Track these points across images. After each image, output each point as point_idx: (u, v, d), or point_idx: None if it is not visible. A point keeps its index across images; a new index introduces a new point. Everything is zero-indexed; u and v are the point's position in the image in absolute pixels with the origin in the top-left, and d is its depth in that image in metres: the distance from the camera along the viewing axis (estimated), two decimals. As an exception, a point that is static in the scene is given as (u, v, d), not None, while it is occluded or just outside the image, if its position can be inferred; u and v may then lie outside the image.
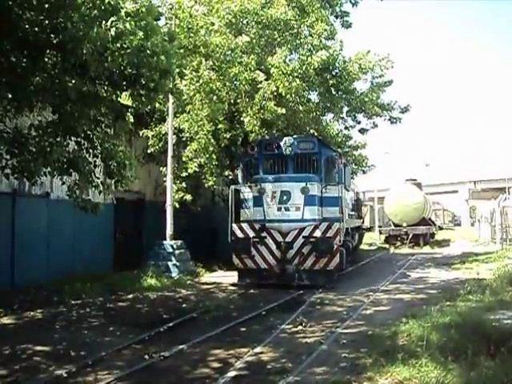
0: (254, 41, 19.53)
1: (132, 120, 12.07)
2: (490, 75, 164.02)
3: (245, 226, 15.93)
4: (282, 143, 16.63)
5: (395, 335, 8.76)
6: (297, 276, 15.24)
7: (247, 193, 16.68)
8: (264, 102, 18.50)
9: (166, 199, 18.26)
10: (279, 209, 15.63)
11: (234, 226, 16.08)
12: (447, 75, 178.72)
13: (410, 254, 28.12)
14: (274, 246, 15.45)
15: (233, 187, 16.73)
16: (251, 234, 15.67)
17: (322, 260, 15.15)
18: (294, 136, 17.61)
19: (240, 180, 17.48)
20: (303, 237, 15.25)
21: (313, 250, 15.15)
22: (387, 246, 35.19)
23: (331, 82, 20.85)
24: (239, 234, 15.88)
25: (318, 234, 15.18)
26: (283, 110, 18.77)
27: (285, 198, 15.53)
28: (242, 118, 19.28)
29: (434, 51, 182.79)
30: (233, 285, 16.06)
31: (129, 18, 8.88)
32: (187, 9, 17.89)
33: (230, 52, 18.15)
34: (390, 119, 23.49)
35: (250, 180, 16.73)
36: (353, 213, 22.43)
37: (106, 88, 10.16)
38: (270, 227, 15.53)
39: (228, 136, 19.53)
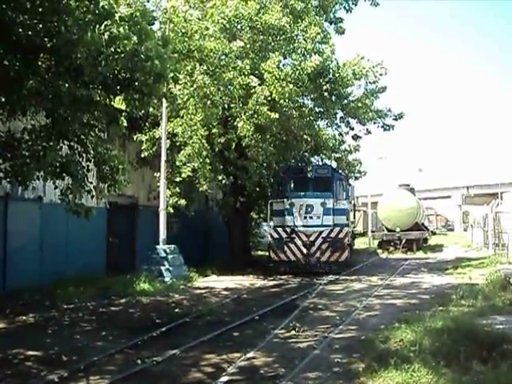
0: (248, 46, 19.56)
1: (125, 124, 12.02)
2: (485, 81, 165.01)
3: (279, 229, 21.19)
4: (304, 169, 22.43)
5: (388, 340, 8.78)
6: (318, 265, 20.53)
7: (280, 205, 21.65)
8: (257, 107, 18.52)
9: (160, 204, 18.24)
10: (305, 217, 21.09)
11: (272, 229, 21.62)
12: (441, 80, 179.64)
13: (403, 259, 28.17)
14: (301, 244, 20.70)
15: (270, 201, 21.99)
16: (284, 235, 20.94)
17: (335, 254, 20.64)
18: (313, 164, 23.48)
19: (273, 195, 22.41)
20: (322, 237, 20.70)
21: (329, 247, 20.60)
22: (380, 251, 35.20)
23: (325, 87, 20.90)
24: (275, 236, 21.24)
25: (333, 235, 20.72)
26: (276, 115, 18.81)
27: (309, 209, 21.06)
28: (235, 123, 19.29)
29: (429, 57, 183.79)
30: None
31: (123, 23, 8.86)
32: (181, 13, 17.90)
33: (224, 57, 18.17)
34: (383, 126, 23.53)
35: (280, 196, 21.90)
36: (352, 219, 27.97)
37: (99, 92, 10.13)
38: (298, 230, 20.86)
39: (222, 141, 19.55)
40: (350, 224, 22.72)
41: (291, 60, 20.28)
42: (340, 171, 24.25)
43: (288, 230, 20.94)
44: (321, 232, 20.74)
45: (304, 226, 20.91)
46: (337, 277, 19.47)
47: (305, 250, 20.61)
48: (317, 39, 19.86)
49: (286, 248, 20.74)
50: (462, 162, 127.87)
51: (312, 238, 20.69)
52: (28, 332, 10.21)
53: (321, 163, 24.47)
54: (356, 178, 26.93)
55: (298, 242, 20.74)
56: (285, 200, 21.42)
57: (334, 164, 24.74)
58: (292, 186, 22.20)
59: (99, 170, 11.49)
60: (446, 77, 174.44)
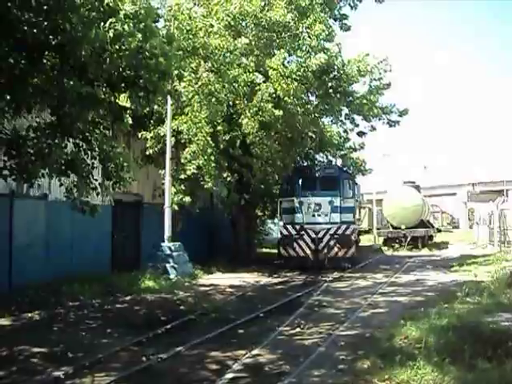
0: (253, 43, 19.55)
1: (130, 122, 12.04)
2: (491, 77, 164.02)
3: (289, 227, 22.08)
4: (313, 169, 23.71)
5: (393, 337, 8.77)
6: (326, 261, 21.20)
7: (290, 203, 22.61)
8: (262, 104, 18.52)
9: (165, 201, 18.24)
10: (313, 215, 22.09)
11: (281, 227, 22.74)
12: (448, 77, 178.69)
13: (408, 257, 28.11)
14: (309, 241, 21.54)
15: (280, 200, 23.18)
16: (294, 232, 21.76)
17: (342, 250, 21.39)
18: (321, 164, 24.52)
19: (282, 194, 23.54)
20: (330, 234, 21.46)
21: (336, 243, 21.36)
22: (385, 248, 35.15)
23: (330, 84, 20.92)
24: (285, 232, 22.12)
25: (340, 232, 21.51)
26: (281, 112, 18.80)
27: (317, 207, 22.03)
28: (240, 120, 19.29)
29: (435, 52, 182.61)
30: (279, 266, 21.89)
31: (127, 20, 8.87)
32: (186, 11, 17.90)
33: (228, 54, 18.16)
34: (388, 122, 23.55)
35: (290, 194, 22.82)
36: (358, 217, 29.22)
37: (104, 90, 10.13)
38: (307, 227, 21.69)
39: (226, 138, 19.54)
40: (356, 221, 24.01)
41: (296, 57, 20.28)
42: (346, 169, 24.71)
43: (297, 227, 21.81)
44: (328, 229, 21.54)
45: (312, 224, 21.83)
46: (341, 274, 19.47)
47: (313, 247, 21.44)
48: (322, 36, 19.84)
49: (295, 244, 21.60)
50: (468, 159, 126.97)
51: (320, 235, 21.51)
52: (33, 329, 10.24)
53: (325, 160, 24.85)
54: (363, 174, 26.96)
55: (307, 239, 21.54)
56: (294, 198, 22.38)
57: (339, 161, 24.84)
58: (301, 185, 22.97)
59: (104, 168, 11.50)
60: (452, 74, 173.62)
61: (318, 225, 21.85)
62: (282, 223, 22.97)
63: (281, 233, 22.67)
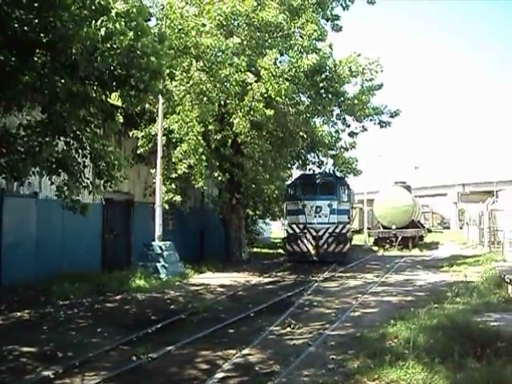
0: (245, 42, 19.53)
1: (121, 120, 12.00)
2: (482, 78, 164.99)
3: (294, 226, 25.28)
4: (314, 176, 26.32)
5: (383, 337, 8.80)
6: (325, 255, 24.28)
7: (294, 206, 25.71)
8: (254, 104, 18.52)
9: (155, 200, 18.21)
10: (314, 216, 25.01)
11: (287, 226, 26.05)
12: (438, 78, 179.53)
13: (399, 257, 28.21)
14: (311, 238, 24.71)
15: (286, 203, 26.64)
16: (297, 230, 24.99)
17: (339, 246, 24.60)
18: (321, 172, 26.68)
19: (287, 198, 26.38)
20: (328, 232, 24.63)
21: (334, 240, 24.57)
22: (376, 248, 35.24)
23: (321, 84, 20.95)
24: (290, 231, 25.37)
25: (337, 230, 24.72)
26: (272, 112, 18.81)
27: (318, 209, 24.98)
28: (231, 120, 19.28)
29: (425, 54, 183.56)
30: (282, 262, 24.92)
31: (119, 19, 8.82)
32: (178, 10, 17.84)
33: (220, 53, 18.13)
34: (379, 123, 23.62)
35: (293, 198, 25.87)
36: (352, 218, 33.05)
37: (95, 88, 10.09)
38: (309, 227, 24.80)
39: (218, 137, 19.53)
40: (350, 222, 27.99)
41: (288, 57, 20.28)
42: (340, 175, 26.15)
43: (301, 226, 24.99)
44: (328, 228, 24.72)
45: (314, 223, 24.86)
46: (332, 274, 19.53)
47: (314, 243, 24.65)
48: (313, 36, 19.87)
49: (299, 241, 24.87)
50: (458, 160, 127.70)
51: (320, 233, 24.63)
52: (23, 328, 10.19)
53: (317, 160, 25.63)
54: (354, 175, 27.05)
55: (309, 236, 24.78)
56: (298, 202, 25.44)
57: (331, 161, 25.03)
58: (303, 190, 25.93)
59: (95, 166, 11.46)
60: (443, 74, 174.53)
61: (318, 224, 24.78)
62: (287, 223, 26.24)
63: (286, 231, 25.87)
